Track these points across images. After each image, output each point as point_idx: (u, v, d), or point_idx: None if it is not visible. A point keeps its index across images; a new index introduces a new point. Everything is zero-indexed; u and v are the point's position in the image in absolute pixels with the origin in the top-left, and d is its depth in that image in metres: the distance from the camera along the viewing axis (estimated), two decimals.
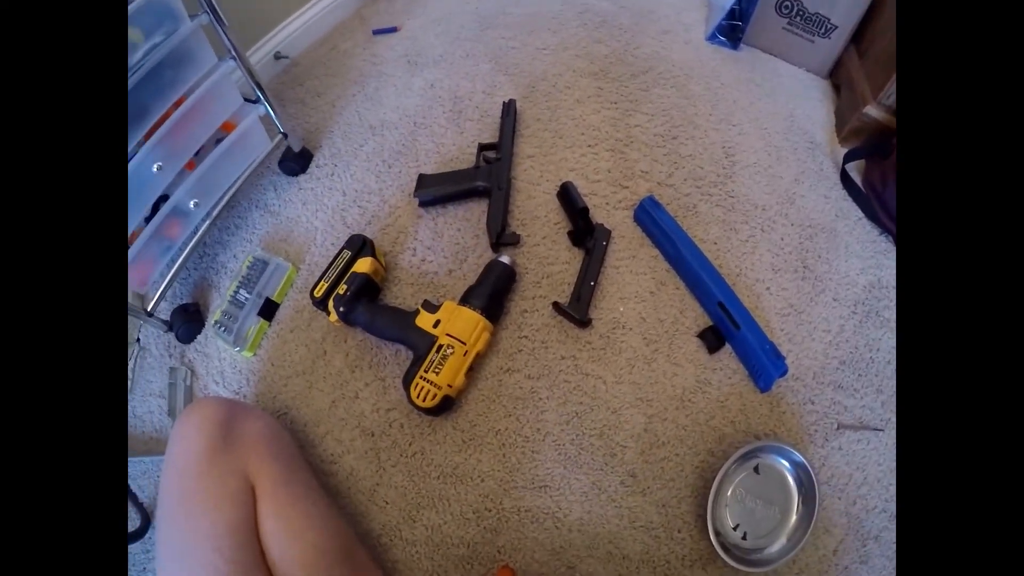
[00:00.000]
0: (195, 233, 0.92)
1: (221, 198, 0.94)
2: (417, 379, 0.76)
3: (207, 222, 0.93)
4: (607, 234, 0.93)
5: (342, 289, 0.83)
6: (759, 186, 1.03)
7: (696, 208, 0.99)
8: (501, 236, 0.91)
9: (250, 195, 1.05)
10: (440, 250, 0.95)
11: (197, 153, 0.88)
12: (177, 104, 0.81)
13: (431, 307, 0.82)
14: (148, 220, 0.84)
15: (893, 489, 0.81)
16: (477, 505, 0.78)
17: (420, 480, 0.80)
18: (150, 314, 0.87)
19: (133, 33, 0.73)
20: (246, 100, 0.93)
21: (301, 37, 1.31)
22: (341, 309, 0.82)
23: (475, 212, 0.98)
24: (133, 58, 0.74)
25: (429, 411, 0.77)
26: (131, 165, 0.77)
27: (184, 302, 0.96)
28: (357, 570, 0.67)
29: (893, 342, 0.92)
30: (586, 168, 1.03)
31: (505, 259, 0.87)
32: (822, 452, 0.83)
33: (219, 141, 0.90)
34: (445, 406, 0.78)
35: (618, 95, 1.13)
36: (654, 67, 1.19)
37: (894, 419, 0.85)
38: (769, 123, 1.13)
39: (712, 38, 1.32)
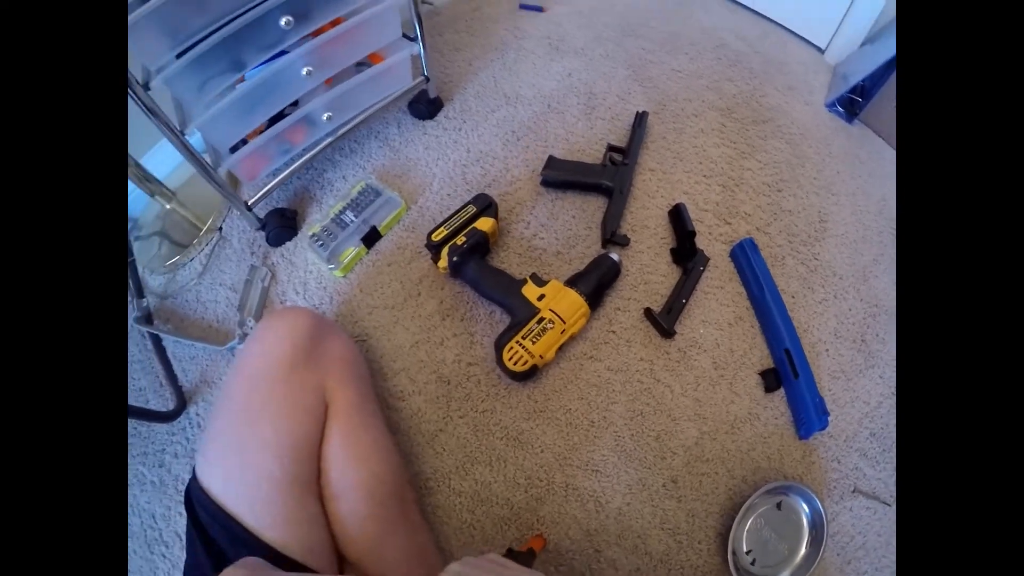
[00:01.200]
0: (317, 144, 0.95)
1: (352, 119, 0.97)
2: (513, 343, 0.83)
3: (331, 138, 0.96)
4: (706, 260, 1.01)
5: (460, 240, 0.89)
6: (842, 256, 1.11)
7: (784, 260, 1.07)
8: (614, 235, 0.98)
9: (372, 124, 1.09)
10: (553, 230, 1.02)
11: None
12: (338, 21, 0.84)
13: (539, 281, 0.89)
14: (272, 122, 0.87)
15: (886, 560, 0.88)
16: (530, 472, 0.84)
17: (483, 436, 0.86)
18: (249, 208, 0.90)
19: None
20: (404, 35, 0.97)
21: None
22: (454, 259, 0.88)
23: (592, 205, 1.05)
24: None
25: (515, 375, 0.84)
26: (282, 61, 0.79)
27: (281, 206, 0.99)
28: (406, 508, 0.68)
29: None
30: (698, 196, 1.10)
31: (615, 256, 0.94)
32: (835, 508, 0.90)
33: (359, 65, 0.93)
34: (530, 374, 0.85)
35: (738, 136, 1.20)
36: (775, 119, 1.26)
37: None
38: (864, 202, 1.20)
39: (831, 106, 1.39)
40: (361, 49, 0.90)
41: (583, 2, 1.43)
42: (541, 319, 0.84)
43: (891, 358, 1.05)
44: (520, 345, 0.83)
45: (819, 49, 1.54)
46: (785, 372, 0.94)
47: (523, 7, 1.39)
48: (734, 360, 0.96)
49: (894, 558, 0.89)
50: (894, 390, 1.02)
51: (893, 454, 0.96)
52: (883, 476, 0.95)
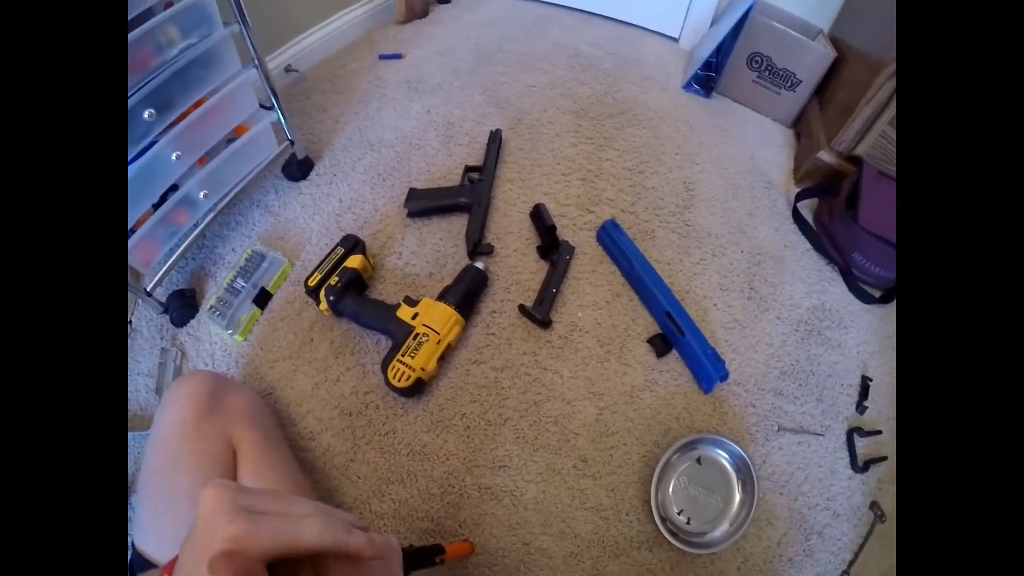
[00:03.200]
0: (200, 223, 1.03)
1: (228, 193, 1.05)
2: (394, 362, 0.89)
3: (212, 214, 1.04)
4: (571, 250, 1.08)
5: (334, 280, 0.96)
6: (714, 217, 1.18)
7: (654, 233, 1.14)
8: (477, 246, 1.05)
9: (252, 195, 1.19)
10: (423, 255, 1.09)
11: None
12: (199, 102, 0.91)
13: (411, 301, 0.95)
14: (156, 207, 0.93)
15: (835, 489, 0.91)
16: (442, 481, 0.88)
17: (391, 457, 0.90)
18: (149, 294, 0.97)
19: (171, 31, 0.83)
20: (261, 106, 1.06)
21: (312, 53, 1.48)
22: (331, 298, 0.95)
23: (456, 225, 1.13)
24: (168, 54, 0.83)
25: (403, 391, 0.89)
26: (152, 152, 0.85)
27: (180, 288, 1.06)
28: None
29: (834, 358, 1.04)
30: (558, 193, 1.18)
31: (479, 265, 1.01)
32: (763, 450, 0.93)
33: (229, 141, 1.02)
34: (417, 388, 0.90)
35: (594, 132, 1.30)
36: (630, 109, 1.37)
37: (834, 426, 0.97)
38: (730, 164, 1.29)
39: (688, 86, 1.50)
40: (222, 126, 0.98)
41: (440, 41, 1.56)
42: (416, 335, 0.91)
43: (785, 299, 1.10)
44: (401, 362, 0.89)
45: (674, 39, 1.68)
46: (671, 333, 0.99)
47: (382, 57, 1.51)
48: (618, 334, 1.01)
49: (842, 484, 0.92)
50: (796, 328, 1.07)
51: (811, 387, 1.01)
52: (807, 409, 0.98)
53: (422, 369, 0.89)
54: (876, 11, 1.28)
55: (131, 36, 0.76)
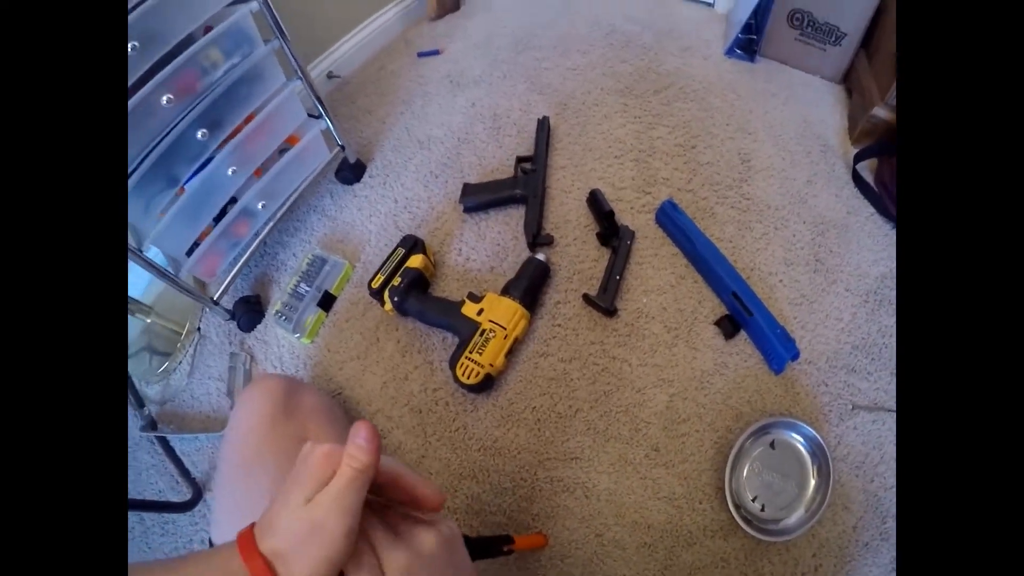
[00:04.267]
0: (260, 232, 1.07)
1: (285, 201, 1.09)
2: (463, 359, 0.89)
3: (271, 223, 1.08)
4: (631, 234, 1.06)
5: (397, 281, 0.98)
6: (773, 188, 1.14)
7: (713, 210, 1.11)
8: (537, 237, 1.04)
9: (309, 201, 1.21)
10: (483, 250, 1.09)
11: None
12: (249, 118, 0.95)
13: (475, 298, 0.96)
14: (217, 220, 0.99)
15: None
16: (513, 475, 0.89)
17: (462, 452, 0.91)
18: (215, 303, 1.01)
19: (214, 54, 0.87)
20: (309, 115, 1.08)
21: (352, 58, 1.50)
22: (395, 299, 0.97)
23: (514, 217, 1.12)
24: (213, 76, 0.88)
25: (472, 388, 0.90)
26: (209, 168, 0.91)
27: (246, 294, 1.10)
28: None
29: None
30: (612, 177, 1.16)
31: (540, 256, 1.00)
32: (837, 431, 0.90)
33: (282, 151, 1.05)
34: (486, 384, 0.91)
35: (641, 110, 1.27)
36: (675, 83, 1.32)
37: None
38: (783, 130, 1.24)
39: (730, 52, 1.45)
40: (274, 138, 1.02)
41: (477, 33, 1.54)
42: (483, 331, 0.91)
43: (852, 268, 1.06)
44: (469, 359, 0.89)
45: (709, 4, 1.61)
46: (739, 314, 0.97)
47: (421, 55, 1.50)
48: (685, 318, 0.99)
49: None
50: (866, 299, 1.03)
51: (884, 361, 0.97)
52: (880, 385, 0.95)
53: (491, 365, 0.89)
54: None
55: (177, 62, 0.80)
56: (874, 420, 0.92)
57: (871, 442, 0.90)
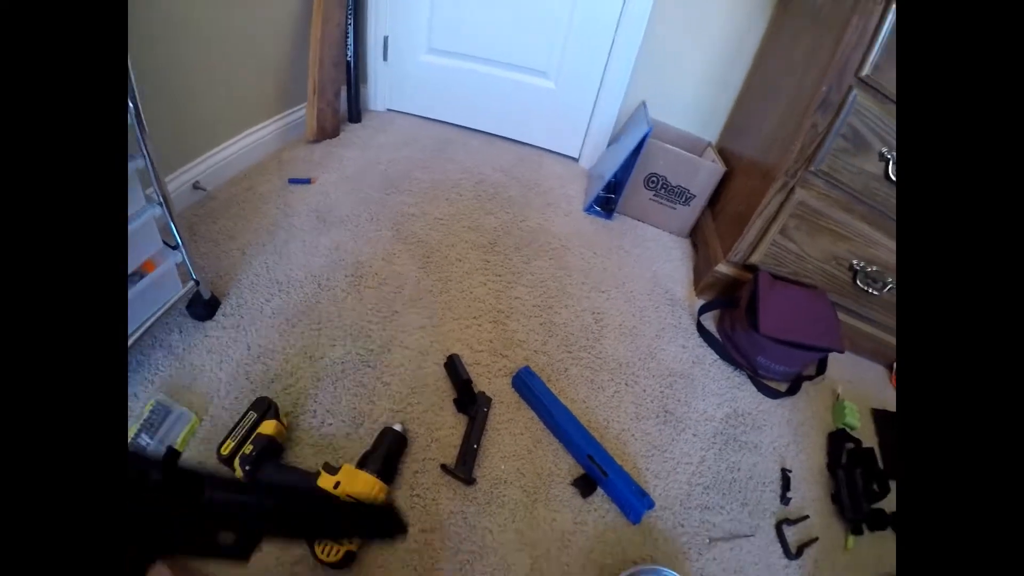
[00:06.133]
0: None
1: (132, 333, 1.12)
2: None
3: None
4: (488, 401, 1.25)
5: (248, 449, 1.06)
6: (623, 345, 1.41)
7: (567, 371, 1.34)
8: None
9: (155, 333, 1.27)
10: (339, 414, 1.22)
11: None
12: None
13: (331, 469, 1.06)
14: None
15: None
16: None
17: None
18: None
19: None
20: (165, 243, 1.14)
21: (221, 170, 1.64)
22: (247, 468, 1.04)
23: (369, 383, 1.29)
24: None
25: (334, 566, 0.98)
26: None
27: None
28: None
29: (752, 460, 1.26)
30: (471, 339, 1.37)
31: (397, 427, 1.15)
32: (698, 565, 1.09)
33: (131, 276, 1.09)
34: (347, 561, 1.00)
35: (503, 268, 1.52)
36: (536, 239, 1.61)
37: (762, 524, 1.17)
38: (634, 285, 1.54)
39: (589, 209, 1.79)
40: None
41: (350, 165, 1.76)
42: None
43: (699, 415, 1.32)
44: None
45: (574, 159, 2.00)
46: (595, 474, 1.16)
47: (292, 181, 1.70)
48: (543, 481, 1.17)
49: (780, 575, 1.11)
50: (713, 441, 1.27)
51: (735, 494, 1.20)
52: (733, 515, 1.17)
53: (350, 541, 1.03)
54: (760, 122, 1.62)
55: None
56: (731, 548, 1.13)
57: (731, 567, 1.10)
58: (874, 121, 1.27)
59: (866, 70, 1.21)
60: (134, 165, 1.00)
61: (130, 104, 0.95)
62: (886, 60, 1.20)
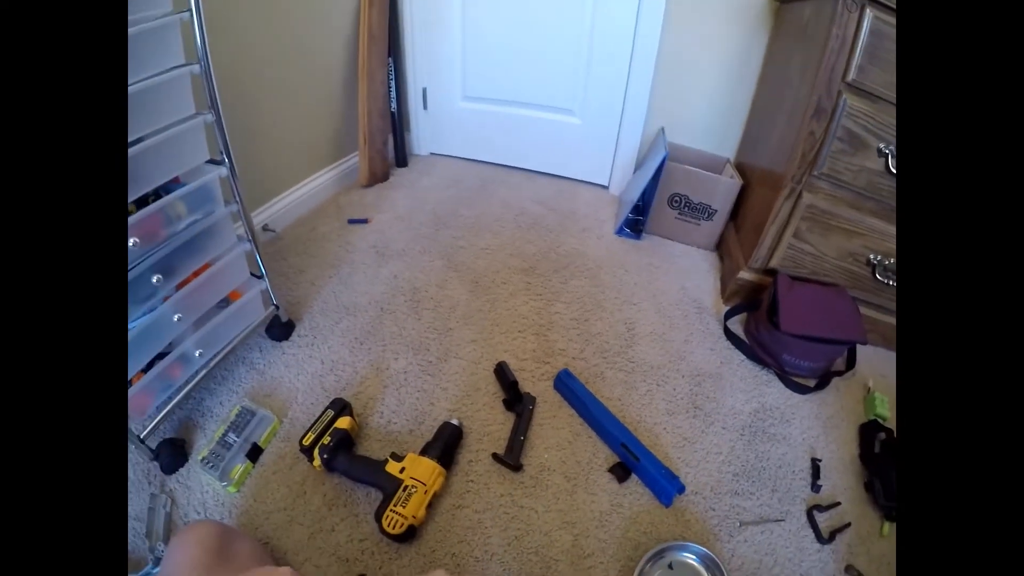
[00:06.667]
0: (193, 377, 1.25)
1: (220, 351, 1.30)
2: (388, 512, 1.16)
3: (204, 370, 1.27)
4: (533, 400, 1.43)
5: (326, 440, 1.25)
6: (654, 350, 1.56)
7: (603, 374, 1.50)
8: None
9: (239, 352, 1.47)
10: (403, 414, 1.41)
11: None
12: (200, 270, 1.16)
13: (397, 457, 1.25)
14: (153, 362, 1.14)
15: (806, 564, 1.16)
16: None
17: None
18: (141, 441, 1.15)
19: (180, 207, 1.08)
20: (252, 274, 1.34)
21: (286, 214, 1.90)
22: (325, 456, 1.23)
23: (430, 384, 1.48)
24: (176, 227, 1.08)
25: (397, 538, 1.15)
26: (157, 313, 1.08)
27: (170, 436, 1.25)
28: None
29: (782, 450, 1.36)
30: (517, 349, 1.55)
31: (455, 421, 1.34)
32: (729, 546, 1.19)
33: (220, 303, 1.27)
34: (410, 534, 1.17)
35: (543, 288, 1.71)
36: (573, 262, 1.79)
37: (793, 509, 1.25)
38: (664, 298, 1.70)
39: (620, 231, 1.97)
40: (219, 292, 1.26)
41: (401, 205, 1.99)
42: (406, 487, 1.20)
43: (727, 410, 1.44)
44: (394, 512, 1.16)
45: (604, 187, 2.19)
46: (628, 461, 1.31)
47: (351, 222, 1.95)
48: (582, 469, 1.33)
49: (812, 559, 1.18)
50: (742, 433, 1.39)
51: (764, 481, 1.30)
52: (763, 501, 1.27)
53: (413, 517, 1.16)
54: (768, 133, 1.76)
55: (145, 211, 1.00)
56: (762, 531, 1.22)
57: (763, 549, 1.19)
58: (867, 120, 1.38)
59: (851, 75, 1.33)
60: (229, 209, 1.21)
61: (226, 160, 1.19)
62: (868, 62, 1.31)
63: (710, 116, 2.07)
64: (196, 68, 1.04)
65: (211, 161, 1.16)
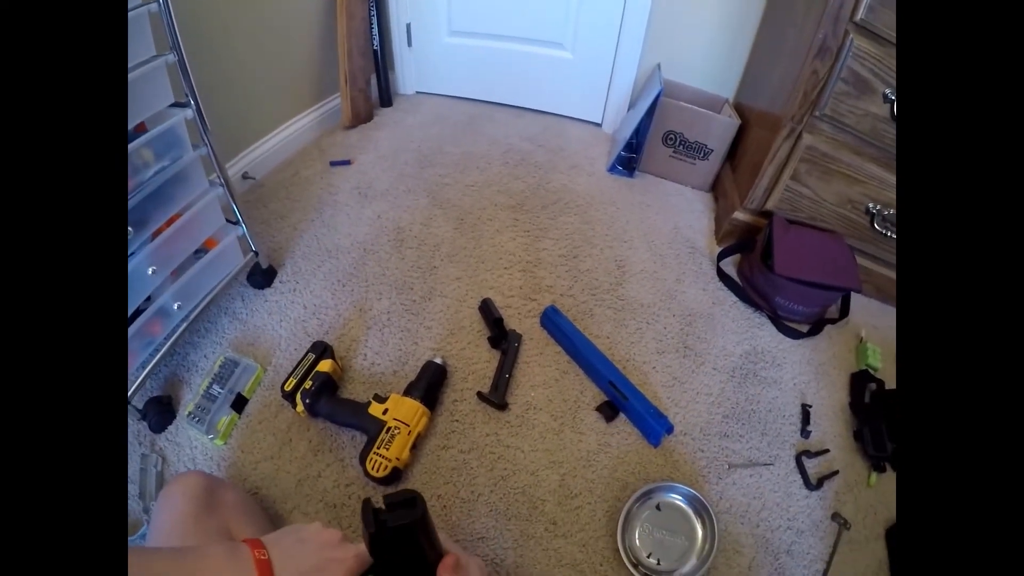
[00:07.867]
0: (174, 332, 1.24)
1: (199, 303, 1.28)
2: (371, 455, 1.15)
3: (184, 323, 1.25)
4: (519, 337, 1.40)
5: (308, 385, 1.23)
6: (645, 288, 1.54)
7: (592, 312, 1.48)
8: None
9: (220, 303, 1.45)
10: (386, 355, 1.39)
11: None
12: (172, 219, 1.12)
13: (380, 399, 1.23)
14: (131, 320, 1.11)
15: (794, 509, 1.17)
16: None
17: None
18: (129, 401, 1.15)
19: (146, 154, 1.03)
20: (227, 220, 1.31)
21: (267, 160, 1.85)
22: (307, 401, 1.22)
23: (414, 323, 1.46)
24: (144, 175, 1.04)
25: (382, 480, 1.15)
26: (131, 266, 1.04)
27: (156, 395, 1.24)
28: None
29: (772, 394, 1.35)
30: (502, 286, 1.52)
31: (438, 360, 1.31)
32: (717, 488, 1.19)
33: (197, 253, 1.24)
34: (394, 476, 1.16)
35: (530, 224, 1.67)
36: (562, 198, 1.76)
37: (782, 454, 1.25)
38: (656, 236, 1.66)
39: (612, 169, 1.92)
40: (193, 241, 1.22)
41: (385, 145, 1.94)
42: (388, 428, 1.19)
43: (718, 351, 1.43)
44: (377, 454, 1.15)
45: (597, 124, 2.13)
46: (616, 400, 1.30)
47: (333, 164, 1.90)
48: (569, 407, 1.31)
49: (800, 504, 1.19)
50: (732, 375, 1.39)
51: (754, 424, 1.30)
52: (752, 445, 1.27)
53: (397, 459, 1.16)
54: (769, 73, 1.71)
55: None
56: (751, 474, 1.23)
57: (751, 492, 1.20)
58: (874, 64, 1.33)
59: (860, 14, 1.28)
60: (198, 152, 1.17)
61: (192, 102, 1.14)
62: (879, 3, 1.26)
63: (710, 53, 2.00)
64: (154, 6, 0.99)
65: (176, 104, 1.12)
